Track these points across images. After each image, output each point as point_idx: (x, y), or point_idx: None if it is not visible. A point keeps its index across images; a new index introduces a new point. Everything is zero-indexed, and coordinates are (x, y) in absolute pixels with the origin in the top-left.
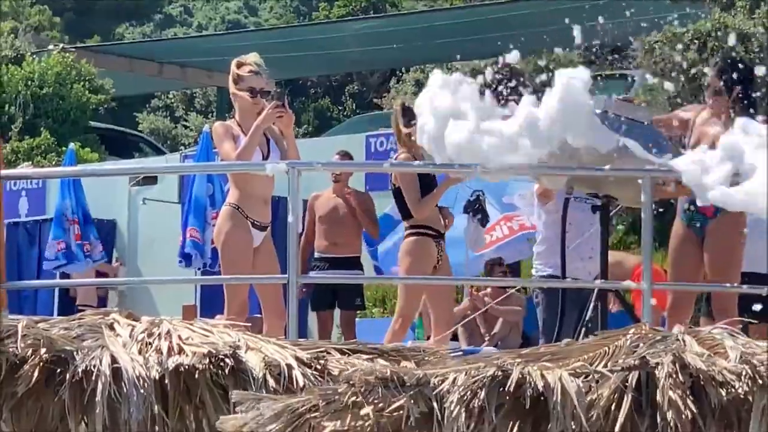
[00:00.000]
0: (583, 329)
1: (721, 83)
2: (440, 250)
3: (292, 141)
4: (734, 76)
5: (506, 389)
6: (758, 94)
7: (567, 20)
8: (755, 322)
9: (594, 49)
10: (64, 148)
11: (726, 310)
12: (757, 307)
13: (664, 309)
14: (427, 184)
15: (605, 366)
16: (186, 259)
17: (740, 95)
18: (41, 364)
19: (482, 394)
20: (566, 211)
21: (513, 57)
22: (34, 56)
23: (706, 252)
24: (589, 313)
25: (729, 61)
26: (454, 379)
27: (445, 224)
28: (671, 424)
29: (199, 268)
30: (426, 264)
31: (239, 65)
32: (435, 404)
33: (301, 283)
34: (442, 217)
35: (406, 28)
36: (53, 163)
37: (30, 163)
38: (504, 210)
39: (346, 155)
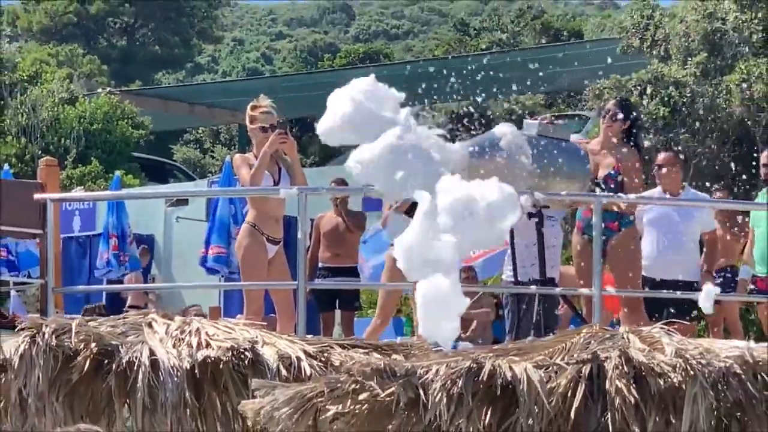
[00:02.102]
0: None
1: (619, 112)
2: None
3: (298, 165)
4: (629, 113)
5: (480, 379)
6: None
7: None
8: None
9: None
10: (111, 175)
11: (636, 309)
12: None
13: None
14: None
15: (563, 359)
16: (211, 272)
17: (629, 128)
18: (91, 356)
19: (460, 383)
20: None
21: None
22: (86, 98)
23: (613, 262)
24: (536, 313)
25: (628, 101)
26: (437, 370)
27: None
28: (618, 408)
29: (222, 276)
30: None
31: (254, 108)
32: (421, 391)
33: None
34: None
35: (397, 74)
36: (101, 187)
37: (82, 187)
38: None
39: (342, 182)
